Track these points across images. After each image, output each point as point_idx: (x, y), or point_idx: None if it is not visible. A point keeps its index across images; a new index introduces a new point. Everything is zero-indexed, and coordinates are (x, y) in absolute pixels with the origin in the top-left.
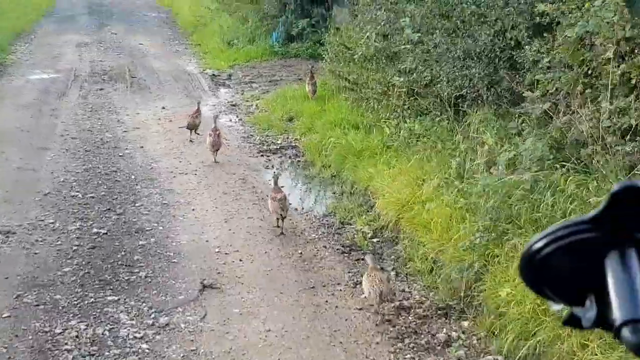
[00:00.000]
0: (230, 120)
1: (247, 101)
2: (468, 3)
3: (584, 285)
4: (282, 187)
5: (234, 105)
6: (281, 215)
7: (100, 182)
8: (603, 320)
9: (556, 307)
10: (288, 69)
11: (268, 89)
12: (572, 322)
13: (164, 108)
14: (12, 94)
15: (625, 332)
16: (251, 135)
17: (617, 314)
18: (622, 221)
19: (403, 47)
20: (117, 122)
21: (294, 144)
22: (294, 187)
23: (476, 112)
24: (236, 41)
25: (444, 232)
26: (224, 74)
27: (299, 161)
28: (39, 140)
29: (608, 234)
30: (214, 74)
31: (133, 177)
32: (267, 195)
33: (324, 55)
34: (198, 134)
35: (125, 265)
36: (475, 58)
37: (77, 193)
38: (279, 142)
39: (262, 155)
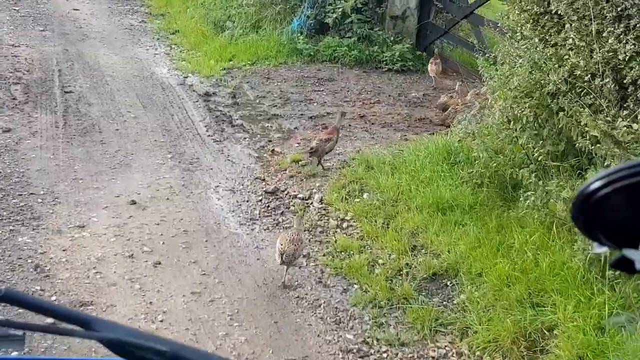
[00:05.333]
0: (298, 283)
1: (297, 184)
2: None
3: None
4: None
5: (276, 198)
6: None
7: None
8: None
9: (601, 249)
10: (327, 85)
11: (315, 139)
12: (623, 264)
13: (134, 202)
14: None
15: None
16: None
17: None
18: None
19: None
20: (36, 277)
21: None
22: None
23: None
24: (229, 24)
25: None
26: (221, 89)
27: None
28: None
29: None
30: (206, 92)
31: None
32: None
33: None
34: None
35: None
36: None
37: None
38: None
39: None
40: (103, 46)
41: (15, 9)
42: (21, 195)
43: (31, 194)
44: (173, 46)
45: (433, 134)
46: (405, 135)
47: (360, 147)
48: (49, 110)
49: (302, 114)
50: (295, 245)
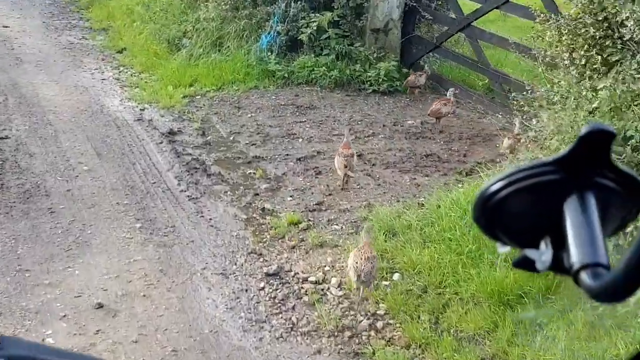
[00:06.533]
0: None
1: (303, 258)
2: None
3: (539, 228)
4: None
5: (282, 283)
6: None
7: None
8: (557, 264)
9: (504, 249)
10: (309, 115)
11: (310, 189)
12: (524, 264)
13: (100, 305)
14: None
15: (584, 276)
16: None
17: (575, 257)
18: (585, 164)
19: None
20: None
21: None
22: None
23: None
24: (186, 41)
25: None
26: (186, 125)
27: None
28: None
29: (570, 177)
30: (170, 130)
31: None
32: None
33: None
34: None
35: None
36: None
37: None
38: None
39: None
40: (40, 72)
41: None
42: None
43: None
44: (122, 68)
45: (445, 174)
46: (415, 179)
47: (369, 200)
48: None
49: (287, 155)
50: (371, 263)
